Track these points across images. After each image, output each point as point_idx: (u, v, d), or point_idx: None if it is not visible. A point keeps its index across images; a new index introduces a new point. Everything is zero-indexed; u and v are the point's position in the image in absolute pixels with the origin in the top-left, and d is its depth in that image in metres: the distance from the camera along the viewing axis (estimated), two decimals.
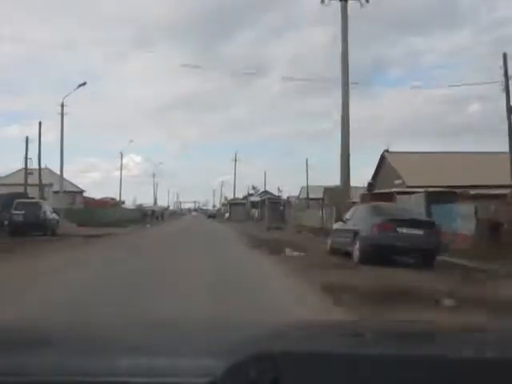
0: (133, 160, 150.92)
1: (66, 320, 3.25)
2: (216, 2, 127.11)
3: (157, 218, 65.50)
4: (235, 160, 65.90)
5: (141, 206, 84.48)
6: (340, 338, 1.56)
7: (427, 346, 1.41)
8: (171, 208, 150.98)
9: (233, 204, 64.15)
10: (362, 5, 19.38)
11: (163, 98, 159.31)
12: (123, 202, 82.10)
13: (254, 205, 61.12)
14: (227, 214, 74.01)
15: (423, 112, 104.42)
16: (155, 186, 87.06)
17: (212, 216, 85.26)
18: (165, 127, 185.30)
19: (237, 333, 1.63)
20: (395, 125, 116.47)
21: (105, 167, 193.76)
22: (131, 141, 58.71)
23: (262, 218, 60.72)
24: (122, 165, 56.72)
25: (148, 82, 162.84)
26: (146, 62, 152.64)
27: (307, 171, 57.58)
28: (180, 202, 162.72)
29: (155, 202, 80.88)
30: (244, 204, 61.90)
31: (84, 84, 32.21)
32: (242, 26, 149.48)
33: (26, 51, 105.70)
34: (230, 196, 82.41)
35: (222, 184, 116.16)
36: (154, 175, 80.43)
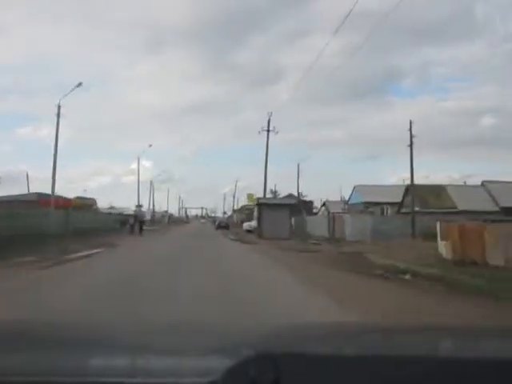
0: (143, 165, 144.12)
1: (67, 320, 2.84)
2: (229, 8, 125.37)
3: (131, 227, 39.79)
4: (267, 130, 39.72)
5: (140, 210, 63.59)
6: (340, 338, 1.56)
7: (427, 347, 1.39)
8: (175, 214, 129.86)
9: (265, 205, 32.73)
10: None
11: (174, 103, 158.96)
12: (93, 203, 56.77)
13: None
14: (251, 224, 48.30)
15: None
16: (140, 181, 61.74)
17: (223, 226, 59.22)
18: (175, 132, 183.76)
19: (237, 333, 1.64)
20: None
21: (114, 171, 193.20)
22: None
23: (303, 231, 35.04)
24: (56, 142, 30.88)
25: (159, 87, 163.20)
26: (157, 66, 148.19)
27: (412, 157, 31.41)
28: (185, 208, 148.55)
29: (138, 204, 54.84)
30: (288, 206, 33.02)
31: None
32: (255, 32, 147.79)
33: (38, 53, 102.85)
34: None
35: (237, 184, 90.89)
36: (138, 160, 54.36)
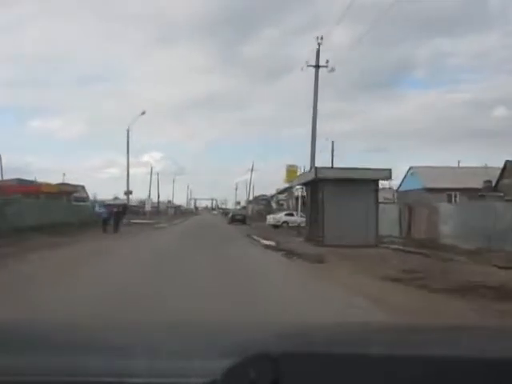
0: (153, 158, 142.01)
1: (66, 320, 2.76)
2: (238, 1, 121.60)
3: (104, 222, 27.07)
4: (316, 66, 25.65)
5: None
6: (340, 338, 1.56)
7: (427, 346, 1.37)
8: (184, 206, 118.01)
9: (331, 183, 16.78)
10: None
11: (184, 97, 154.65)
12: (75, 191, 43.69)
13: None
14: (277, 217, 35.12)
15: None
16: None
17: (238, 219, 45.75)
18: (185, 125, 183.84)
19: (237, 334, 1.63)
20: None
21: (124, 164, 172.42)
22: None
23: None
24: None
25: (169, 81, 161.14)
26: (167, 60, 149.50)
27: None
28: (194, 199, 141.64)
29: (128, 192, 41.04)
30: (373, 185, 17.03)
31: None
32: (265, 25, 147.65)
33: (50, 48, 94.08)
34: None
35: (252, 169, 77.92)
36: (127, 132, 40.47)
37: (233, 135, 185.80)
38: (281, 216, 37.09)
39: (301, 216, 38.52)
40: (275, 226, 36.51)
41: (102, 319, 2.65)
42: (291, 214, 37.61)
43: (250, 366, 0.91)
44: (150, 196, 67.69)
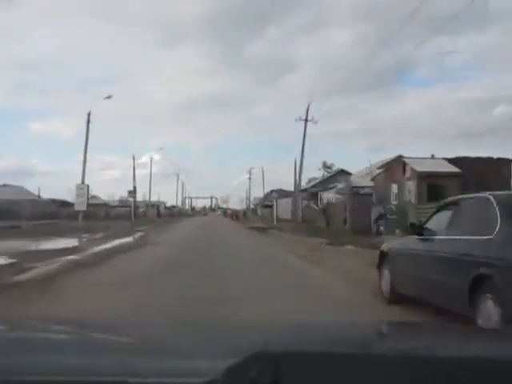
0: (153, 158, 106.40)
1: (66, 319, 2.62)
2: (242, 1, 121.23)
3: None
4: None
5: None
6: (340, 338, 1.55)
7: (427, 346, 1.38)
8: (179, 206, 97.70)
9: None
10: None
11: (187, 97, 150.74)
12: None
13: None
14: None
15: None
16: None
17: None
18: (188, 126, 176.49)
19: (237, 332, 1.63)
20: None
21: (123, 165, 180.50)
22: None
23: None
24: None
25: (173, 81, 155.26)
26: (171, 61, 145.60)
27: None
28: (190, 198, 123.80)
29: None
30: None
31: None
32: (268, 25, 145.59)
33: (52, 50, 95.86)
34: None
35: (305, 131, 40.16)
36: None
37: (235, 136, 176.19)
38: None
39: None
40: None
41: (102, 320, 2.54)
42: None
43: (250, 366, 0.90)
44: (84, 181, 29.79)
